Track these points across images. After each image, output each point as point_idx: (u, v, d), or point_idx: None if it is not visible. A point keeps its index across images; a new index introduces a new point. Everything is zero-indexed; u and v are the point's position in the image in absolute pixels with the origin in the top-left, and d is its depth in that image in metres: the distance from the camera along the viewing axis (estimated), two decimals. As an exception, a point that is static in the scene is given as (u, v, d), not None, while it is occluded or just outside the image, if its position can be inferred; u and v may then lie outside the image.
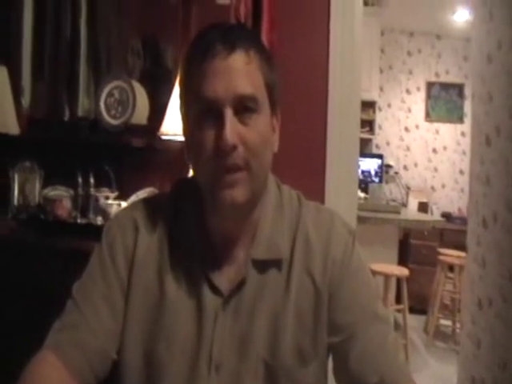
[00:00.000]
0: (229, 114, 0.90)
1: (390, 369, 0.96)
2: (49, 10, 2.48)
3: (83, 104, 2.46)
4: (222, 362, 0.96)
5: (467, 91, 6.37)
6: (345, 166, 2.33)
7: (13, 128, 2.23)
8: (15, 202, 2.36)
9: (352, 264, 1.02)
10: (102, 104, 2.35)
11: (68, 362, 0.92)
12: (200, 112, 0.93)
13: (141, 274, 1.01)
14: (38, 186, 2.37)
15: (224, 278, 0.99)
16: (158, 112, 2.21)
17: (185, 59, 0.98)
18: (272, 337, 0.98)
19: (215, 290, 0.98)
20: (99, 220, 2.18)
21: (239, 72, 0.91)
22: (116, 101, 2.34)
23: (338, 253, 1.02)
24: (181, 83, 1.00)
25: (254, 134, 0.92)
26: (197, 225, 1.03)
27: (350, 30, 2.32)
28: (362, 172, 5.92)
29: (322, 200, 2.27)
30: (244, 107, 0.92)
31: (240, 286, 0.98)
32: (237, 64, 0.91)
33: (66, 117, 2.45)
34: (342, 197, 2.30)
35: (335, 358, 1.01)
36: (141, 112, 2.36)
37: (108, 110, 2.35)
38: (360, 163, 5.78)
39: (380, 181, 5.91)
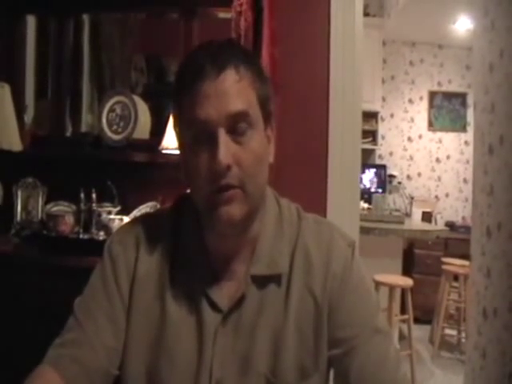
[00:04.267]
0: (222, 134, 0.90)
1: (392, 383, 0.96)
2: (52, 27, 2.50)
3: (86, 120, 2.48)
4: (222, 378, 0.96)
5: (470, 100, 6.36)
6: (347, 177, 2.33)
7: (16, 145, 2.25)
8: (18, 218, 2.37)
9: (352, 278, 1.02)
10: (103, 119, 2.36)
11: (68, 377, 0.92)
12: (194, 136, 0.93)
13: (142, 291, 1.01)
14: (40, 202, 2.38)
15: (223, 295, 0.99)
16: (160, 127, 2.22)
17: (176, 82, 0.98)
18: (273, 353, 0.97)
19: (214, 306, 0.98)
20: (101, 235, 2.18)
21: (230, 91, 0.91)
22: (118, 116, 2.35)
23: (338, 267, 1.01)
24: (173, 105, 0.99)
25: (248, 154, 0.92)
26: (196, 241, 1.03)
27: (350, 42, 2.33)
28: (365, 182, 5.92)
29: (324, 211, 2.27)
30: (237, 123, 0.91)
31: (240, 302, 0.98)
32: (227, 84, 0.91)
33: (69, 133, 2.46)
34: (344, 208, 2.30)
35: (336, 371, 1.01)
36: (143, 127, 2.37)
37: (110, 125, 2.35)
38: (363, 174, 5.79)
39: (383, 191, 5.91)
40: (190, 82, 0.92)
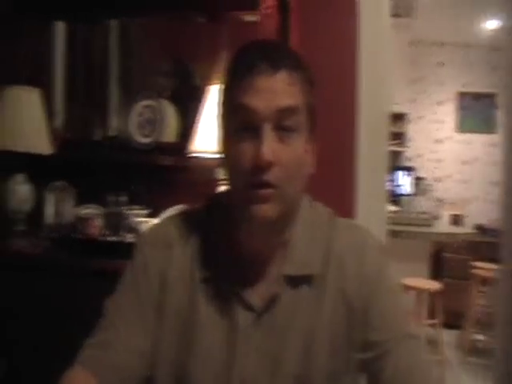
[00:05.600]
0: (267, 129, 0.91)
1: None
2: (80, 33, 2.53)
3: (114, 124, 2.49)
4: (253, 379, 0.97)
5: (499, 101, 6.27)
6: (374, 180, 2.31)
7: (46, 149, 2.27)
8: (48, 221, 2.40)
9: (384, 282, 1.03)
10: (132, 123, 2.38)
11: (100, 379, 0.94)
12: (239, 126, 0.94)
13: (173, 291, 1.02)
14: (70, 205, 2.40)
15: (256, 295, 1.00)
16: (187, 130, 2.23)
17: (227, 73, 0.99)
18: (304, 355, 0.98)
19: (247, 306, 0.99)
20: (130, 238, 2.19)
21: (281, 91, 0.92)
22: (146, 120, 2.37)
23: (371, 271, 1.02)
24: (222, 96, 1.01)
25: (290, 154, 0.92)
26: (228, 241, 1.03)
27: (378, 43, 2.31)
28: (393, 185, 5.87)
29: (351, 215, 2.26)
30: (284, 124, 0.92)
31: (272, 302, 0.99)
32: (280, 84, 0.92)
33: (98, 137, 2.48)
34: (371, 211, 2.28)
35: (368, 375, 1.01)
36: (170, 130, 2.38)
37: (138, 128, 2.37)
38: (391, 176, 5.75)
39: (411, 194, 5.86)
40: (242, 74, 0.93)
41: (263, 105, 0.90)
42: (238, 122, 0.94)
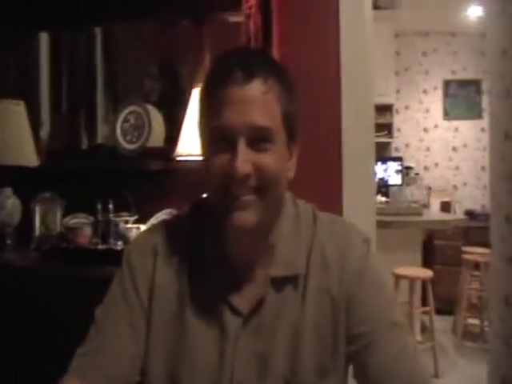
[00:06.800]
0: (242, 143, 0.91)
1: (411, 376, 0.97)
2: (64, 42, 2.52)
3: (102, 131, 2.49)
4: (243, 381, 0.98)
5: (484, 86, 6.29)
6: (361, 172, 2.31)
7: (32, 161, 2.28)
8: (37, 232, 2.40)
9: (367, 273, 1.04)
10: (118, 130, 2.38)
11: None
12: (214, 139, 0.95)
13: (161, 297, 1.04)
14: (58, 215, 2.40)
15: (243, 299, 1.02)
16: (175, 134, 2.23)
17: (203, 83, 1.00)
18: (292, 354, 1.00)
19: (235, 310, 1.01)
20: (119, 245, 2.20)
21: (256, 102, 0.92)
22: (132, 126, 2.37)
23: (353, 264, 1.03)
24: (199, 107, 1.01)
25: (267, 163, 0.93)
26: (215, 246, 1.05)
27: (360, 36, 2.30)
28: (383, 176, 5.89)
29: (339, 207, 2.26)
30: (258, 137, 0.93)
31: (259, 305, 1.00)
32: (254, 93, 0.92)
33: (84, 145, 2.48)
34: (360, 202, 2.28)
35: (355, 367, 1.03)
36: (157, 135, 2.39)
37: (124, 135, 2.37)
38: (379, 167, 5.76)
39: (401, 184, 5.88)
40: (216, 85, 0.94)
41: (237, 119, 0.91)
42: (214, 135, 0.95)
